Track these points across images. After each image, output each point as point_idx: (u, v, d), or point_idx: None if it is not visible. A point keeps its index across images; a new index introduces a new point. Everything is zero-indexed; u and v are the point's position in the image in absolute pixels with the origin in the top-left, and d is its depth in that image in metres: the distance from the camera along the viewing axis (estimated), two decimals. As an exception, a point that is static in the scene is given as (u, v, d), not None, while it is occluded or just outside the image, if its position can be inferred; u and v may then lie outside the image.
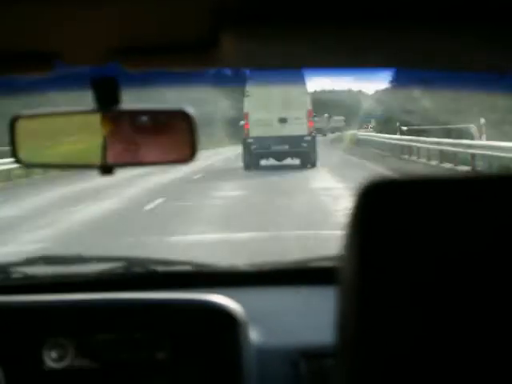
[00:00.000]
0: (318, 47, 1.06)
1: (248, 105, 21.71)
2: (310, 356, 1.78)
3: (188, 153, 1.44)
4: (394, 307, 0.75)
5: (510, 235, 0.74)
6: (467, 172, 0.80)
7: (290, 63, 1.24)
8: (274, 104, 21.16)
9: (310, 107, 21.80)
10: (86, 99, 1.41)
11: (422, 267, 0.75)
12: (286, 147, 21.11)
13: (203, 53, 1.03)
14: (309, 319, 1.97)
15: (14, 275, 2.24)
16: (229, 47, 0.99)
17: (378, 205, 0.77)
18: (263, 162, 21.42)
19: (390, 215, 0.77)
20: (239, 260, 2.38)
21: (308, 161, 20.68)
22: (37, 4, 0.90)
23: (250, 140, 21.13)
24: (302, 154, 20.94)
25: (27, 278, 2.23)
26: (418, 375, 0.75)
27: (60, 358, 1.79)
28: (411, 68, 1.29)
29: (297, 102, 21.25)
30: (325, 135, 46.66)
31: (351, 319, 0.78)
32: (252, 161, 20.94)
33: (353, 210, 0.78)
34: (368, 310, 0.76)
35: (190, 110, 1.44)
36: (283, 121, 21.65)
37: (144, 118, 1.45)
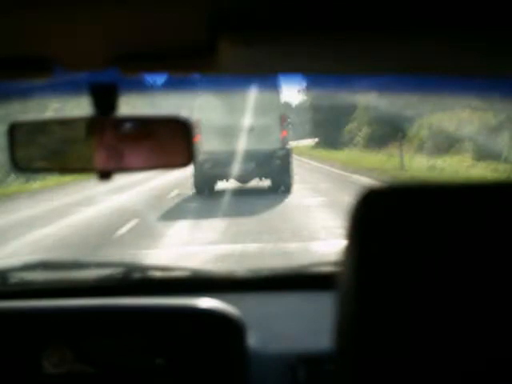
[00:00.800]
0: (317, 53, 1.07)
1: (200, 108, 15.07)
2: (309, 361, 1.78)
3: (185, 157, 1.45)
4: (392, 312, 0.76)
5: (507, 240, 0.75)
6: (462, 180, 0.80)
7: (288, 69, 1.24)
8: (236, 107, 15.39)
9: (282, 111, 16.25)
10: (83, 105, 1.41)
11: (421, 273, 0.75)
12: (253, 165, 15.64)
13: (201, 58, 1.04)
14: (307, 324, 1.97)
15: (13, 281, 2.24)
16: (226, 53, 0.99)
17: (376, 212, 0.77)
18: (220, 185, 16.29)
19: (387, 222, 0.77)
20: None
21: (281, 183, 15.66)
22: (36, 10, 0.90)
23: (202, 156, 15.18)
24: (274, 173, 15.68)
25: (26, 283, 2.23)
26: (417, 379, 0.75)
27: (59, 364, 1.78)
28: (408, 74, 1.29)
29: (266, 105, 15.42)
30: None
31: (349, 324, 0.78)
32: (205, 184, 15.86)
33: (351, 217, 0.78)
34: (366, 315, 0.76)
35: (186, 116, 1.46)
36: (249, 130, 15.86)
37: (142, 125, 1.46)
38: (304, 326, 1.97)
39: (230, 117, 15.42)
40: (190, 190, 16.02)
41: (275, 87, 14.22)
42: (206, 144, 15.16)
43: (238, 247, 8.66)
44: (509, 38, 0.97)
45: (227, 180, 16.11)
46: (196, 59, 1.05)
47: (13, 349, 1.81)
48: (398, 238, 0.76)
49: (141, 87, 1.62)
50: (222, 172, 15.70)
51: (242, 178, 16.08)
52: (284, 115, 16.22)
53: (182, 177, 18.06)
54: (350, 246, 0.78)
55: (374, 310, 0.76)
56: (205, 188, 15.72)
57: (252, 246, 8.72)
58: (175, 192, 16.53)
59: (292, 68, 1.23)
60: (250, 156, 15.44)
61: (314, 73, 1.31)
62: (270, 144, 15.64)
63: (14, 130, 1.47)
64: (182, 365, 1.78)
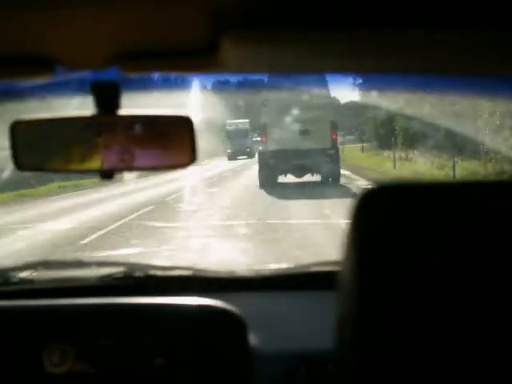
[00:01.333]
0: (318, 52, 1.07)
1: (266, 115, 19.21)
2: (310, 361, 1.77)
3: (188, 158, 1.45)
4: (392, 312, 0.76)
5: (506, 237, 0.75)
6: (466, 178, 0.80)
7: (291, 68, 1.24)
8: (294, 114, 18.96)
9: (332, 118, 19.46)
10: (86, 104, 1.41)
11: (421, 272, 0.75)
12: (308, 162, 18.70)
13: (203, 57, 1.03)
14: (309, 324, 1.97)
15: (14, 280, 2.24)
16: (229, 52, 0.99)
17: (377, 211, 0.77)
18: (281, 179, 19.37)
19: (388, 221, 0.77)
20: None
21: (331, 176, 18.60)
22: (37, 9, 0.90)
23: (268, 154, 18.84)
24: (324, 169, 18.60)
25: (27, 282, 2.23)
26: (416, 379, 0.75)
27: (60, 363, 1.79)
28: (411, 73, 1.29)
29: (319, 112, 18.77)
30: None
31: (351, 324, 0.78)
32: (270, 178, 18.66)
33: (353, 216, 0.78)
34: (366, 314, 0.76)
35: (190, 114, 1.45)
36: (305, 133, 19.12)
37: (144, 123, 1.46)
38: (305, 326, 1.97)
39: (289, 122, 19.05)
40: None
41: (325, 88, 18.00)
42: (270, 144, 19.03)
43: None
44: (509, 38, 0.96)
45: (285, 175, 19.38)
46: (198, 58, 1.04)
47: (14, 348, 1.81)
48: (398, 238, 0.76)
49: (143, 86, 1.61)
50: (283, 168, 19.01)
51: (299, 172, 19.26)
52: (334, 122, 19.45)
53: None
54: (351, 246, 0.78)
55: (374, 309, 0.76)
56: (268, 181, 18.45)
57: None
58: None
59: (293, 67, 1.23)
60: (305, 154, 18.68)
61: (316, 72, 1.31)
62: (322, 144, 18.76)
63: (15, 128, 1.47)
64: (183, 364, 1.78)
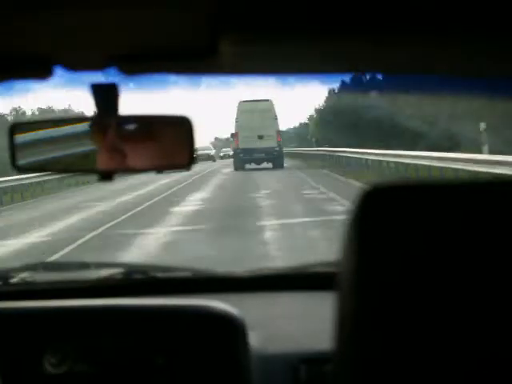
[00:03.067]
0: (317, 53, 1.07)
1: (237, 127, 32.98)
2: (310, 361, 1.77)
3: (186, 159, 1.45)
4: (391, 312, 0.76)
5: (510, 236, 0.75)
6: (464, 178, 0.80)
7: (289, 69, 1.24)
8: (254, 126, 31.61)
9: (278, 128, 33.25)
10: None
11: (420, 272, 0.75)
12: (263, 155, 31.92)
13: (202, 59, 1.04)
14: (308, 324, 1.97)
15: (14, 281, 2.24)
16: (228, 53, 0.99)
17: (375, 211, 0.77)
18: (247, 166, 32.16)
19: (389, 220, 0.77)
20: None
21: (278, 164, 30.99)
22: (36, 10, 0.90)
23: (239, 150, 32.05)
24: (274, 159, 31.61)
25: (27, 284, 2.23)
26: (416, 378, 0.75)
27: (60, 363, 1.79)
28: (410, 74, 1.29)
29: (269, 125, 31.98)
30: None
31: (350, 324, 0.78)
32: (240, 164, 31.59)
33: (351, 216, 0.78)
34: (366, 314, 0.76)
35: (189, 116, 1.45)
36: (261, 137, 31.88)
37: (143, 124, 1.46)
38: (305, 326, 1.97)
39: (251, 131, 31.81)
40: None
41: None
42: (240, 144, 31.76)
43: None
44: (509, 38, 0.97)
45: (250, 163, 32.19)
46: (197, 60, 1.05)
47: (14, 349, 1.81)
48: (398, 238, 0.76)
49: (142, 87, 1.61)
50: (249, 158, 32.06)
51: (258, 162, 32.31)
52: (278, 130, 33.26)
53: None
54: (350, 246, 0.78)
55: (373, 309, 0.76)
56: (240, 167, 31.31)
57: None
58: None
59: (293, 68, 1.23)
60: (261, 150, 31.66)
61: (314, 73, 1.31)
62: (271, 144, 31.87)
63: (14, 130, 1.47)
64: (183, 365, 1.78)
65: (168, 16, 0.95)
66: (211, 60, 1.02)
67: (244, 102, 32.62)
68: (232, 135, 34.09)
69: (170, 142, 1.46)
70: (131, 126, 1.44)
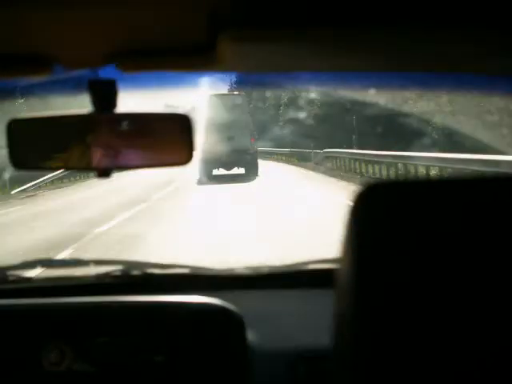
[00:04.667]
0: (317, 50, 1.07)
1: (203, 126, 26.18)
2: (309, 359, 1.78)
3: (185, 155, 1.45)
4: (390, 309, 0.76)
5: (509, 233, 0.75)
6: (464, 174, 0.80)
7: (288, 67, 1.24)
8: (223, 125, 25.62)
9: (251, 127, 26.65)
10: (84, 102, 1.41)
11: (420, 269, 0.75)
12: (234, 158, 25.63)
13: (201, 56, 1.03)
14: (307, 322, 1.97)
15: (12, 279, 2.24)
16: (227, 50, 0.99)
17: (374, 208, 0.77)
18: (215, 172, 25.89)
19: (388, 218, 0.77)
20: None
21: (251, 170, 25.14)
22: (35, 8, 0.90)
23: (205, 155, 25.35)
24: (246, 164, 25.44)
25: (25, 281, 2.23)
26: (415, 377, 0.75)
27: (58, 362, 1.78)
28: (409, 71, 1.29)
29: (241, 123, 25.84)
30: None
31: (348, 321, 0.78)
32: (206, 171, 25.26)
33: (350, 213, 0.78)
34: (365, 311, 0.76)
35: (187, 113, 1.45)
36: (231, 138, 25.89)
37: (142, 121, 1.46)
38: (304, 324, 1.97)
39: (222, 130, 25.43)
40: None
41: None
42: (207, 146, 24.81)
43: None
44: (508, 37, 0.97)
45: (218, 168, 25.84)
46: (196, 57, 1.04)
47: (12, 347, 1.81)
48: (397, 235, 0.76)
49: (141, 84, 1.61)
50: (216, 163, 25.67)
51: (227, 166, 25.92)
52: (252, 129, 26.57)
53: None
54: (349, 243, 0.78)
55: (372, 306, 0.76)
56: (205, 173, 24.59)
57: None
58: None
59: (291, 66, 1.23)
60: (231, 153, 25.24)
61: (313, 70, 1.31)
62: (243, 146, 25.37)
63: (12, 126, 1.47)
64: (182, 362, 1.78)
65: (166, 13, 0.94)
66: (210, 57, 1.02)
67: (212, 95, 26.28)
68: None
69: (168, 139, 1.46)
70: (129, 123, 1.44)
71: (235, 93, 28.17)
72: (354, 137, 28.76)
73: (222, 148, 25.09)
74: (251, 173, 24.69)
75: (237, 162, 25.81)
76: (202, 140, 24.93)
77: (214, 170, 25.71)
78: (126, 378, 1.79)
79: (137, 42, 1.07)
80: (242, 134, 25.92)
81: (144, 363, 1.78)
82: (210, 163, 25.02)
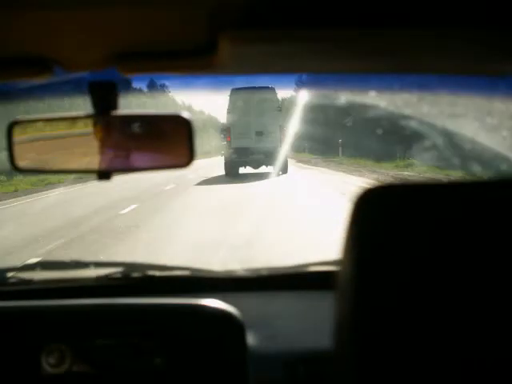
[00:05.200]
0: (317, 52, 1.07)
1: (229, 121, 24.32)
2: (308, 361, 1.78)
3: (185, 158, 1.45)
4: (390, 311, 0.76)
5: (509, 236, 0.75)
6: (463, 177, 0.80)
7: (289, 68, 1.24)
8: (251, 120, 23.62)
9: (282, 122, 23.66)
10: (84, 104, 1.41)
11: (420, 271, 0.75)
12: (262, 156, 23.51)
13: (201, 58, 1.03)
14: (307, 324, 1.97)
15: (12, 281, 2.24)
16: (227, 52, 0.99)
17: (375, 211, 0.77)
18: (242, 170, 24.28)
19: (388, 220, 0.77)
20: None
21: (280, 169, 23.02)
22: (36, 10, 0.90)
23: (231, 150, 24.26)
24: (275, 162, 22.75)
25: (25, 283, 2.23)
26: (415, 378, 0.75)
27: (58, 364, 1.78)
28: (409, 73, 1.29)
29: (271, 118, 23.60)
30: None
31: (349, 323, 0.78)
32: (232, 169, 23.83)
33: (350, 216, 0.78)
34: (366, 313, 0.76)
35: (187, 114, 1.44)
36: (259, 134, 23.96)
37: (141, 123, 1.45)
38: (303, 326, 1.97)
39: (248, 125, 23.93)
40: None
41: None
42: (233, 143, 24.05)
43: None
44: (509, 38, 0.97)
45: (245, 166, 24.19)
46: (196, 59, 1.04)
47: (12, 349, 1.81)
48: (397, 237, 0.76)
49: (141, 86, 1.61)
50: (244, 160, 23.99)
51: (255, 165, 24.11)
52: (282, 125, 23.50)
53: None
54: (349, 245, 0.78)
55: (372, 308, 0.76)
56: (232, 172, 23.66)
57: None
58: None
59: (292, 67, 1.23)
60: (260, 150, 23.55)
61: (314, 72, 1.31)
62: (273, 143, 23.23)
63: (13, 128, 1.47)
64: (182, 364, 1.78)
65: (167, 15, 0.94)
66: (210, 59, 1.02)
67: (238, 89, 23.14)
68: (222, 131, 25.67)
69: (169, 140, 1.46)
70: (130, 125, 1.44)
71: (263, 86, 22.62)
72: (340, 141, 28.91)
73: (248, 145, 23.76)
74: (280, 171, 22.62)
75: (265, 161, 23.87)
76: (228, 137, 24.25)
77: (240, 169, 24.21)
78: (126, 380, 1.79)
79: (137, 44, 1.07)
80: (271, 131, 23.87)
81: (143, 365, 1.78)
82: (236, 161, 23.80)
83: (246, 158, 23.98)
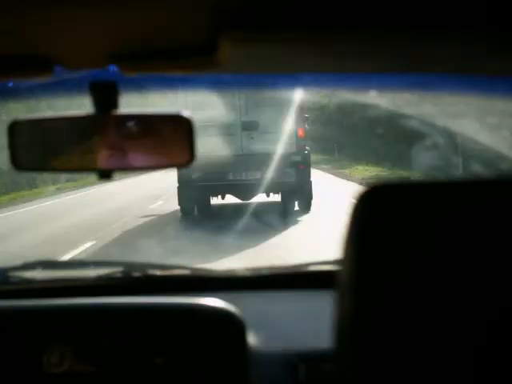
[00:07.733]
0: (318, 52, 1.07)
1: (190, 101, 10.64)
2: (309, 360, 1.78)
3: (186, 156, 1.45)
4: (391, 311, 0.76)
5: (509, 236, 0.75)
6: (465, 176, 0.80)
7: (290, 68, 1.24)
8: (235, 99, 11.50)
9: (298, 103, 11.84)
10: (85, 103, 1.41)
11: (421, 271, 0.75)
12: (257, 175, 11.38)
13: (202, 57, 1.03)
14: (307, 323, 1.97)
15: (13, 280, 2.24)
16: (228, 52, 0.99)
17: (377, 209, 0.77)
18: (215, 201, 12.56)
19: (388, 219, 0.77)
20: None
21: (297, 198, 11.40)
22: (36, 9, 0.90)
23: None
24: (287, 186, 11.15)
25: (26, 282, 2.23)
26: (416, 377, 0.75)
27: (59, 363, 1.78)
28: (410, 72, 1.29)
29: (276, 96, 11.31)
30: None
31: (349, 323, 0.78)
32: (194, 202, 12.03)
33: (351, 215, 0.78)
34: (366, 313, 0.76)
35: (188, 113, 1.44)
36: (251, 127, 11.60)
37: (142, 122, 1.45)
38: (304, 325, 1.97)
39: (228, 111, 12.08)
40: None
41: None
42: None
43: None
44: (509, 37, 0.97)
45: (220, 195, 13.19)
46: (197, 58, 1.04)
47: (13, 348, 1.81)
48: (398, 236, 0.76)
49: (141, 85, 1.61)
50: (216, 185, 12.52)
51: (243, 192, 12.69)
52: (301, 107, 12.38)
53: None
54: (349, 245, 0.78)
55: (372, 308, 0.76)
56: (190, 209, 12.78)
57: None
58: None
59: (293, 67, 1.23)
60: (253, 162, 12.15)
61: (314, 72, 1.31)
62: (281, 146, 11.91)
63: (14, 128, 1.47)
64: (182, 364, 1.78)
65: (167, 14, 0.94)
66: (211, 58, 1.02)
67: None
68: None
69: (169, 140, 1.46)
70: (130, 124, 1.44)
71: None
72: (335, 145, 28.23)
73: (226, 153, 11.60)
74: (299, 209, 11.69)
75: (264, 185, 11.49)
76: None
77: (213, 199, 12.68)
78: (126, 379, 1.79)
79: (138, 44, 1.07)
80: (275, 126, 11.73)
81: (144, 364, 1.78)
82: (200, 185, 11.62)
83: (222, 178, 11.69)
